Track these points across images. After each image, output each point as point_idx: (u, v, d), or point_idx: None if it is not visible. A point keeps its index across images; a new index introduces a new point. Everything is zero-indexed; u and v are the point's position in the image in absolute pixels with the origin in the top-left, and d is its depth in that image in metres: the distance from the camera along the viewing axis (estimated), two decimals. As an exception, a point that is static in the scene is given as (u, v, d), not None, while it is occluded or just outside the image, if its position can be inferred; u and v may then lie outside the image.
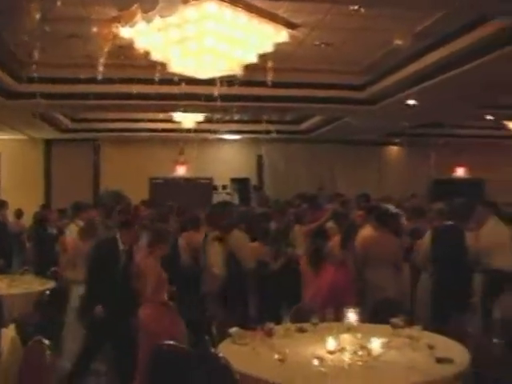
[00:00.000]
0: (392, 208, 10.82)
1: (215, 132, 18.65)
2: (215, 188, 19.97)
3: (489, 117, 16.42)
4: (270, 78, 10.77)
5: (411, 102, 12.77)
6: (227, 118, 16.85)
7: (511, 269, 8.53)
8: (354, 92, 13.03)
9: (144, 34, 7.59)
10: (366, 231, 8.31)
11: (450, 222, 8.42)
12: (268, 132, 18.04)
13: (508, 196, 16.13)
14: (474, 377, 4.81)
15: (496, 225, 8.84)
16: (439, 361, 4.76)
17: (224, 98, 10.79)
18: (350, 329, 5.32)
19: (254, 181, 20.50)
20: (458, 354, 5.01)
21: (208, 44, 7.41)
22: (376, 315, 6.20)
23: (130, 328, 6.72)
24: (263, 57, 8.41)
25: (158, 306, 6.91)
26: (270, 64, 9.24)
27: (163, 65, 8.43)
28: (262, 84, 11.04)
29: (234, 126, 18.43)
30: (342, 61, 11.81)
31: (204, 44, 7.41)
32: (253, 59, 8.28)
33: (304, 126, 18.71)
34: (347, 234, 8.06)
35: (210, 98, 10.64)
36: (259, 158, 20.77)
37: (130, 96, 11.85)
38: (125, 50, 8.75)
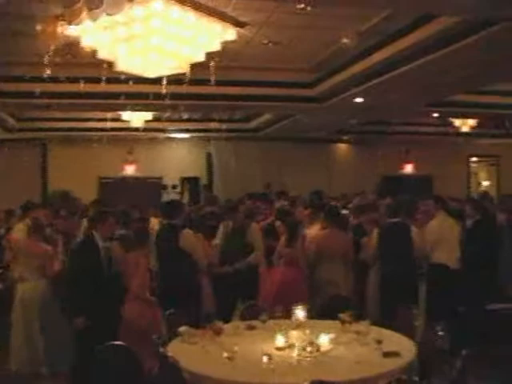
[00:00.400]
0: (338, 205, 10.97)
1: (164, 131, 18.58)
2: (165, 187, 19.91)
3: (435, 114, 16.67)
4: (219, 76, 10.75)
5: (359, 99, 12.91)
6: (176, 116, 16.81)
7: (456, 266, 8.74)
8: (302, 90, 13.12)
9: (90, 32, 7.49)
10: (317, 228, 8.37)
11: (396, 219, 8.53)
12: (218, 130, 18.05)
13: (455, 191, 16.48)
14: (419, 368, 4.90)
15: (444, 220, 9.01)
16: (386, 355, 4.84)
17: (172, 96, 10.75)
18: (298, 325, 5.37)
19: (204, 180, 20.48)
20: (405, 347, 5.10)
21: (155, 42, 7.34)
22: (326, 311, 6.25)
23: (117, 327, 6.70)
24: (212, 55, 8.39)
25: (144, 302, 6.98)
26: (218, 62, 9.24)
27: (110, 63, 8.35)
28: (211, 82, 11.04)
29: (184, 125, 18.40)
30: (291, 59, 11.89)
31: (150, 42, 7.34)
32: (201, 58, 8.25)
33: (253, 124, 18.75)
34: (292, 232, 8.08)
35: (158, 96, 10.58)
36: (209, 156, 20.71)
37: (77, 95, 11.71)
38: (71, 48, 8.64)
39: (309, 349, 4.84)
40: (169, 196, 18.61)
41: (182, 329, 5.55)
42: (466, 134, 18.60)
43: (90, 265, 7.09)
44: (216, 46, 8.10)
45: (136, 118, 15.19)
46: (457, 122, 17.64)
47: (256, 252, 8.53)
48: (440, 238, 8.84)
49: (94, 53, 7.98)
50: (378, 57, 10.28)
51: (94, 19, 6.94)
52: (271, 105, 13.71)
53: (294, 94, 13.11)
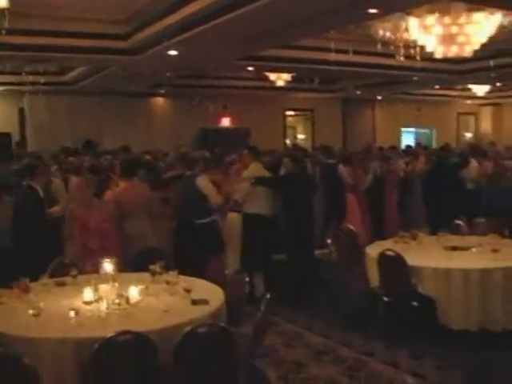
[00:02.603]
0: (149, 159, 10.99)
1: (-28, 84, 17.58)
2: (-27, 145, 18.87)
3: (250, 68, 16.89)
4: (26, 25, 10.29)
5: (173, 52, 12.81)
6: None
7: (268, 214, 9.03)
8: (115, 42, 12.84)
9: None
10: (121, 183, 8.34)
11: (181, 171, 8.79)
12: (31, 84, 17.30)
13: (272, 144, 16.98)
14: (228, 315, 5.06)
15: (258, 170, 9.23)
16: (194, 303, 4.94)
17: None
18: (108, 279, 5.33)
19: (16, 136, 19.63)
20: (214, 294, 5.24)
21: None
22: (137, 264, 6.25)
23: None
24: (22, 3, 7.99)
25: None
26: (26, 11, 8.84)
27: None
28: (20, 32, 10.55)
29: (-7, 78, 17.49)
30: (103, 9, 11.62)
31: None
32: (4, 4, 7.86)
33: (68, 76, 18.15)
34: (101, 186, 8.08)
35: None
36: (21, 111, 19.84)
37: None
38: None
39: (117, 301, 4.84)
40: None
41: (-13, 290, 5.36)
42: (281, 88, 19.09)
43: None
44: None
45: None
46: (272, 77, 18.00)
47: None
48: (253, 187, 9.05)
49: None
50: (189, 9, 10.23)
51: None
52: (83, 57, 13.28)
53: (106, 45, 12.79)
